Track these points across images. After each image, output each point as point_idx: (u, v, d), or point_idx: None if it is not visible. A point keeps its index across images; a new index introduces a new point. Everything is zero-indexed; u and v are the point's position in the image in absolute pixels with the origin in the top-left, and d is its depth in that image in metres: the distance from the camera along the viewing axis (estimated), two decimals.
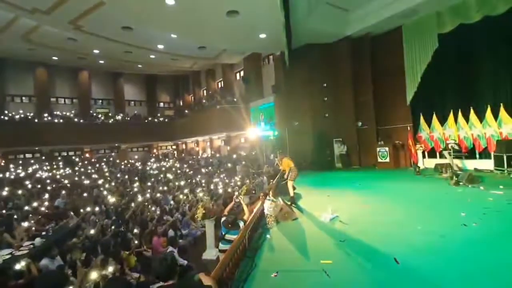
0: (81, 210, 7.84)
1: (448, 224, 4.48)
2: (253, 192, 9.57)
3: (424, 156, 11.35)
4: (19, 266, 4.17)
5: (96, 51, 18.61)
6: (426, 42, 10.57)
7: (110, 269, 4.06)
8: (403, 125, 11.64)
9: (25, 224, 6.63)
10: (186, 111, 25.20)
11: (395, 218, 5.08)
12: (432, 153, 11.21)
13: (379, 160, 11.88)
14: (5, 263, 4.54)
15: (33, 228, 6.49)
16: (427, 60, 10.60)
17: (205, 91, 25.44)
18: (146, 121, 25.73)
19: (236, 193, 5.15)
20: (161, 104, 29.69)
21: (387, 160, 11.68)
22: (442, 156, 10.20)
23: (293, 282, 3.13)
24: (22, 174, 14.83)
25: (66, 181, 12.95)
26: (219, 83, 23.40)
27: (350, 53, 12.73)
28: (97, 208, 7.94)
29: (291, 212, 5.63)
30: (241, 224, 4.42)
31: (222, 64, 21.14)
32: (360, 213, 5.57)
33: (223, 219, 4.55)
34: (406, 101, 11.41)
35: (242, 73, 19.99)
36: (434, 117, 10.85)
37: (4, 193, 10.11)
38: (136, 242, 5.95)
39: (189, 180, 12.79)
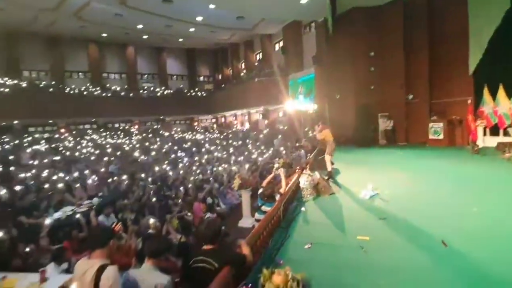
0: (132, 176, 8.60)
1: (508, 209, 3.98)
2: (290, 166, 9.55)
3: (484, 134, 10.05)
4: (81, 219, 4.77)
5: (139, 26, 19.26)
6: (495, 2, 8.90)
7: (155, 229, 4.46)
8: (462, 99, 10.28)
9: (89, 182, 7.55)
10: (225, 84, 25.36)
11: (444, 199, 4.66)
12: (494, 130, 9.85)
13: (431, 137, 10.84)
14: (69, 217, 5.25)
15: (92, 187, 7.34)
16: (496, 23, 8.95)
17: (243, 64, 25.15)
18: (188, 94, 26.53)
19: (276, 165, 5.10)
20: (201, 78, 30.23)
21: (441, 137, 10.59)
22: (506, 134, 8.94)
23: (327, 255, 3.09)
24: (83, 143, 16.63)
25: (119, 151, 14.23)
26: (257, 55, 22.87)
27: (402, 17, 11.31)
28: (143, 175, 8.62)
29: (328, 186, 5.49)
30: (277, 197, 4.45)
31: (260, 34, 20.48)
32: (404, 192, 5.21)
33: (260, 190, 4.62)
34: (468, 71, 9.97)
35: (281, 43, 19.20)
36: (501, 89, 9.32)
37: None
38: (178, 207, 6.41)
39: (227, 152, 13.17)
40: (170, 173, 9.11)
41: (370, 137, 11.99)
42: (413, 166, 7.33)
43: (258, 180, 8.46)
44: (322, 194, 5.31)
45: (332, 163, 7.16)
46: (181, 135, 21.09)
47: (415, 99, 11.62)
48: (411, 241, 3.30)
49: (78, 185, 7.29)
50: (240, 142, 15.98)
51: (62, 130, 21.44)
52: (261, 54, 21.62)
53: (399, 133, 12.03)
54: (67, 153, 12.84)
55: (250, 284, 2.39)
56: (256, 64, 22.18)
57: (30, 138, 16.85)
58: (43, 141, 16.30)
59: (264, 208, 4.35)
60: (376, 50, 11.98)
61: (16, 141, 15.62)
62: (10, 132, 18.48)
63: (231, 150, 13.12)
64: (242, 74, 23.61)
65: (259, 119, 22.72)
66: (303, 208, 4.59)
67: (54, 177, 7.83)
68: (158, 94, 24.95)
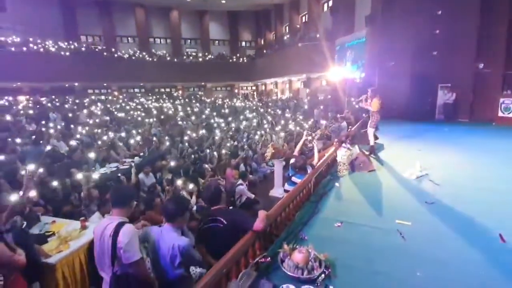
0: (171, 139, 8.95)
1: None
2: (329, 138, 9.06)
3: None
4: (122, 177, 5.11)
5: None
6: None
7: (190, 187, 4.66)
8: None
9: (132, 142, 8.07)
10: (266, 50, 24.41)
11: (508, 187, 3.95)
12: None
13: (501, 114, 9.27)
14: (113, 173, 5.67)
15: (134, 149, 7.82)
16: None
17: (287, 28, 23.73)
18: (230, 60, 26.27)
19: (310, 137, 4.78)
20: (243, 44, 29.50)
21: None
22: None
23: (358, 236, 2.82)
24: (132, 106, 17.75)
25: (162, 114, 14.89)
26: (303, 18, 21.24)
27: None
28: (181, 138, 8.88)
29: (368, 162, 5.04)
30: (309, 169, 4.20)
31: None
32: (460, 175, 4.56)
33: (292, 160, 4.40)
34: None
35: (330, 3, 17.44)
36: None
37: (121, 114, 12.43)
38: (211, 171, 6.54)
39: (265, 121, 12.96)
40: (207, 137, 9.27)
41: (425, 111, 10.75)
42: (475, 146, 6.36)
43: (293, 151, 8.26)
44: (360, 170, 4.91)
45: (376, 137, 6.61)
46: (220, 101, 21.26)
47: (486, 68, 9.85)
48: (462, 231, 2.85)
49: (122, 144, 7.81)
50: (279, 111, 15.58)
51: (115, 93, 23.13)
52: (307, 16, 20.03)
53: (461, 107, 10.52)
54: (118, 114, 13.81)
55: (269, 258, 2.28)
56: (300, 27, 20.71)
57: (87, 100, 18.49)
58: (99, 102, 17.76)
59: (294, 179, 4.16)
60: (445, 8, 10.13)
61: (77, 101, 17.29)
62: (72, 93, 20.53)
63: (269, 118, 12.86)
64: (285, 38, 22.38)
65: (300, 87, 21.84)
66: (337, 184, 4.30)
67: (104, 137, 8.50)
68: (200, 59, 25.11)
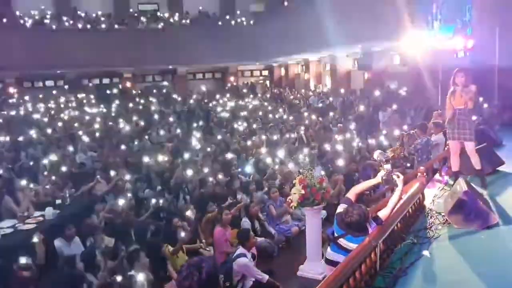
0: (113, 173, 9.16)
1: None
2: (408, 161, 9.04)
3: None
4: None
5: None
6: None
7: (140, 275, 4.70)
8: None
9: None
10: (287, 1, 24.94)
11: None
12: None
13: None
14: (6, 239, 5.79)
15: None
16: None
17: None
18: (219, 23, 26.78)
19: (387, 166, 4.71)
20: None
21: None
22: None
23: None
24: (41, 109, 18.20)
25: (96, 126, 15.25)
26: None
27: None
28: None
29: (484, 209, 5.02)
30: (372, 226, 4.22)
31: None
32: None
33: (340, 208, 4.44)
34: None
35: None
36: None
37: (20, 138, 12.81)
38: (188, 231, 6.61)
39: (287, 135, 13.12)
40: (180, 168, 9.45)
41: None
42: None
43: (342, 190, 8.27)
44: (468, 225, 4.89)
45: (498, 161, 6.67)
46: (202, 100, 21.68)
47: None
48: None
49: (24, 184, 8.03)
50: (313, 117, 15.71)
51: (12, 90, 23.78)
52: None
53: None
54: (16, 129, 14.25)
55: None
56: None
57: None
58: None
59: (344, 242, 4.18)
60: None
61: None
62: None
63: (295, 130, 13.03)
64: None
65: (352, 69, 22.16)
66: (426, 252, 4.32)
67: None
68: (166, 24, 25.85)
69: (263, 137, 12.30)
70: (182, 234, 6.27)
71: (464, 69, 6.18)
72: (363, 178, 6.84)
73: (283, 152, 10.34)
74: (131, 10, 26.95)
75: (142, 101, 22.15)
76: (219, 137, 13.12)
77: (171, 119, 16.90)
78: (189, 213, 7.13)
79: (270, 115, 17.11)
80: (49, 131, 14.12)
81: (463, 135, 6.03)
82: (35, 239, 5.44)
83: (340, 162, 9.56)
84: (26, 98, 22.14)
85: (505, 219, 5.10)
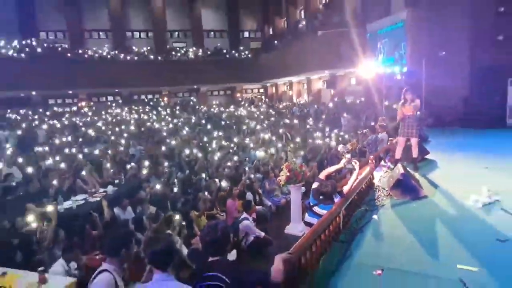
0: (155, 161, 9.11)
1: None
2: (362, 153, 9.03)
3: None
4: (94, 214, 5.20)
5: None
6: None
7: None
8: None
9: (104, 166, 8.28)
10: (277, 42, 24.95)
11: None
12: None
13: None
14: (80, 207, 5.77)
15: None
16: None
17: (302, 12, 24.29)
18: (228, 56, 26.88)
19: (348, 155, 4.78)
20: (246, 34, 30.21)
21: None
22: None
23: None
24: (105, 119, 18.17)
25: (143, 128, 15.20)
26: None
27: None
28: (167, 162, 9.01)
29: (416, 186, 5.02)
30: (337, 198, 4.21)
31: None
32: None
33: (314, 185, 4.42)
34: None
35: None
36: None
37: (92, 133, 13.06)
38: (207, 202, 6.57)
39: (278, 133, 13.07)
40: (202, 157, 9.40)
41: (492, 115, 10.66)
42: None
43: (315, 173, 8.26)
44: (406, 197, 4.88)
45: (426, 152, 6.68)
46: (217, 109, 21.60)
47: None
48: None
49: (91, 168, 7.97)
50: (295, 121, 15.71)
51: (83, 103, 23.77)
52: None
53: None
54: (87, 130, 14.17)
55: None
56: (320, 9, 21.19)
57: (48, 113, 19.05)
58: (62, 115, 18.28)
59: (317, 209, 4.18)
60: None
61: (35, 116, 17.81)
62: (29, 105, 21.14)
63: (281, 130, 12.96)
64: (300, 26, 22.83)
65: (322, 88, 22.03)
66: (375, 216, 4.31)
67: (69, 160, 8.71)
68: (192, 56, 25.81)
69: (262, 135, 12.28)
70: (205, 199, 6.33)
71: (410, 89, 6.17)
72: (330, 164, 6.84)
73: (274, 146, 10.34)
74: (167, 46, 26.87)
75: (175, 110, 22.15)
76: (230, 135, 13.13)
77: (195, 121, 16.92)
78: (213, 186, 7.13)
79: (265, 118, 17.18)
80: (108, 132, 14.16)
81: (410, 133, 6.05)
82: (104, 203, 5.48)
83: (314, 153, 9.57)
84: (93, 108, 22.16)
85: (430, 193, 5.11)
